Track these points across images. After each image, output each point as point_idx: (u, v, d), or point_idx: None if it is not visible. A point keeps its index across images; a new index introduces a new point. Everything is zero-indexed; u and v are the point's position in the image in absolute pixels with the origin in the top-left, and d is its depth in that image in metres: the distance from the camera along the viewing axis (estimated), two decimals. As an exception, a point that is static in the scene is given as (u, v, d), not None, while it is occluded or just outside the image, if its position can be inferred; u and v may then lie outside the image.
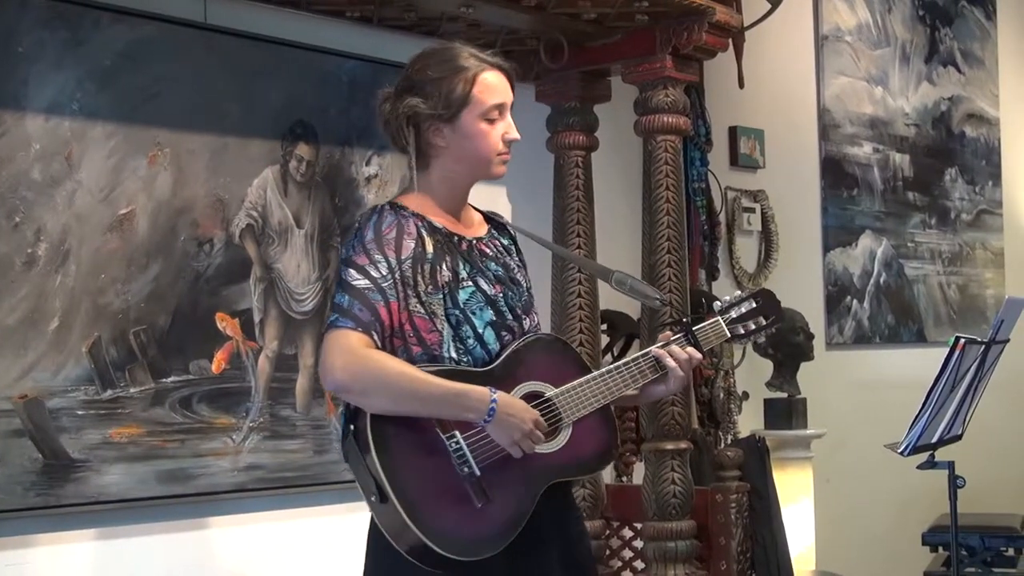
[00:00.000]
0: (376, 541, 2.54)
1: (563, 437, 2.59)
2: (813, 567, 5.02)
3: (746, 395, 5.05)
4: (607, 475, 4.47)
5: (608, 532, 4.41)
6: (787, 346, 5.12)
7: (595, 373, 2.65)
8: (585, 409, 2.61)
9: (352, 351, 2.44)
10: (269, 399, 3.72)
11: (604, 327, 4.48)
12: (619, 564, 4.47)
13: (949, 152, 7.02)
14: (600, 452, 2.67)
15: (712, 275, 5.28)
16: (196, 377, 3.55)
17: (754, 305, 2.82)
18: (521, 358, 2.60)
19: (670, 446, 4.13)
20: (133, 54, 3.45)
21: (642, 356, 2.71)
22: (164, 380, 3.49)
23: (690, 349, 2.72)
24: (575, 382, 2.61)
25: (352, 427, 2.48)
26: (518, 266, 2.74)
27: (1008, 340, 3.63)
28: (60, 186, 3.30)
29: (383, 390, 2.45)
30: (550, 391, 2.60)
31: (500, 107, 2.61)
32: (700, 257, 5.16)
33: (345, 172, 3.93)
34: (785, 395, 5.14)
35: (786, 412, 5.11)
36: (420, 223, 2.58)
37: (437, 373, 2.49)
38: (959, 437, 3.71)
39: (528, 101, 4.42)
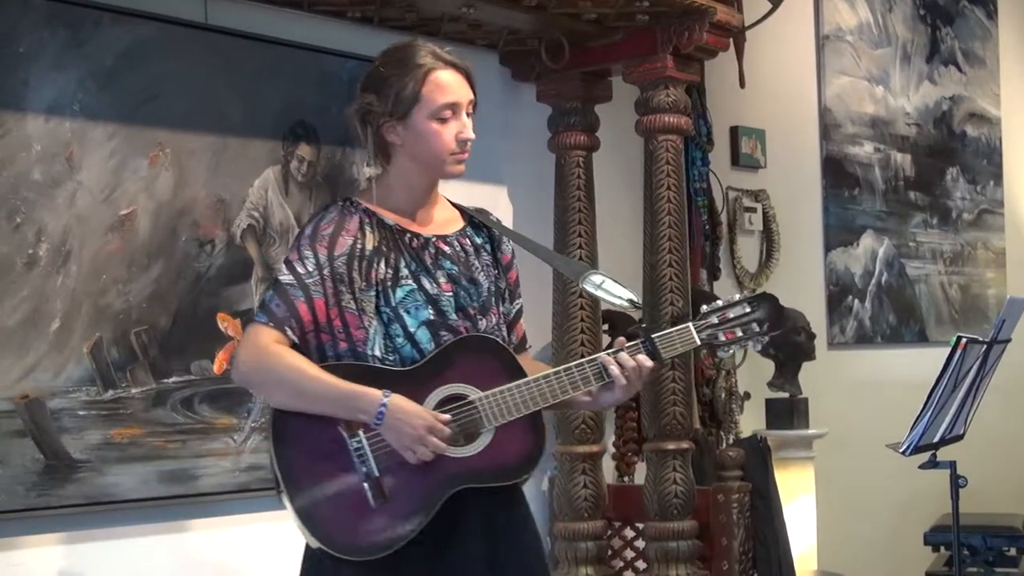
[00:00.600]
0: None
1: (482, 441, 2.53)
2: (815, 567, 5.02)
3: (748, 395, 5.05)
4: (609, 475, 4.47)
5: (610, 532, 4.41)
6: (789, 346, 5.12)
7: (528, 378, 2.56)
8: (511, 415, 2.54)
9: (258, 346, 2.49)
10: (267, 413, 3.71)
11: (606, 327, 4.47)
12: (621, 564, 4.47)
13: (950, 152, 7.02)
14: (521, 460, 2.57)
15: (713, 275, 5.27)
16: (197, 377, 3.55)
17: (748, 310, 2.65)
18: (451, 359, 2.55)
19: (672, 446, 4.13)
20: (134, 55, 3.45)
21: (588, 362, 2.60)
22: (165, 380, 3.49)
23: (640, 357, 2.58)
24: (504, 386, 2.54)
25: (270, 420, 2.53)
26: (487, 265, 2.70)
27: (1010, 340, 3.63)
28: (61, 187, 3.30)
29: (280, 386, 2.49)
30: (475, 394, 2.54)
31: (452, 106, 2.59)
32: (701, 257, 5.16)
33: (346, 172, 3.93)
34: (787, 395, 5.14)
35: (788, 412, 5.11)
36: (368, 219, 2.59)
37: (353, 372, 2.50)
38: (961, 437, 3.71)
39: (529, 101, 4.43)
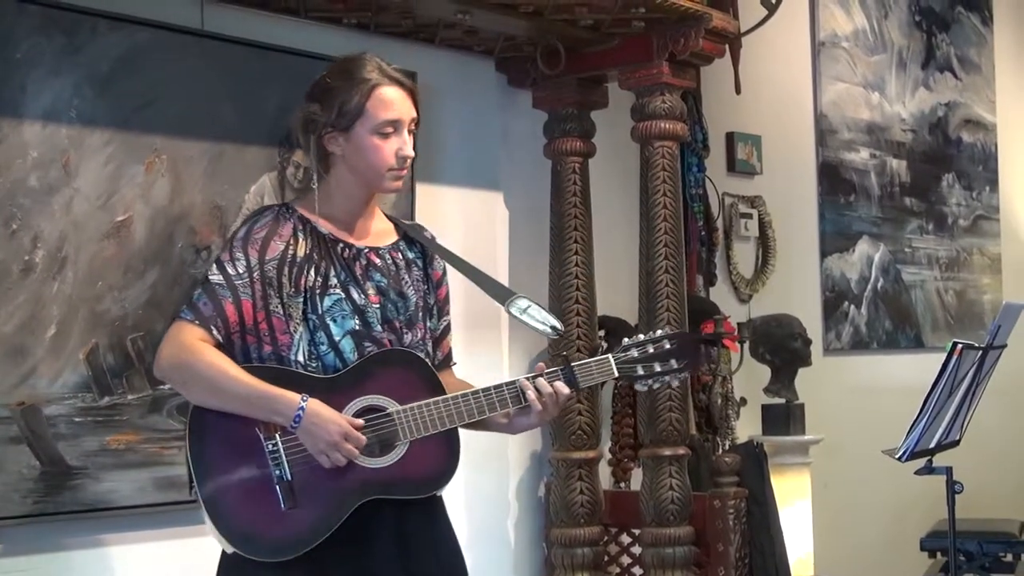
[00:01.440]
0: None
1: (396, 454, 2.56)
2: (811, 573, 5.02)
3: (744, 401, 5.05)
4: (605, 481, 4.47)
5: (606, 538, 4.41)
6: (785, 352, 5.13)
7: (448, 395, 2.60)
8: (427, 430, 2.57)
9: (180, 343, 2.53)
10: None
11: (602, 333, 4.48)
12: (617, 570, 4.47)
13: (946, 158, 7.03)
14: (433, 475, 2.61)
15: (710, 281, 5.28)
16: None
17: (667, 347, 2.70)
18: (371, 371, 2.59)
19: (668, 452, 4.13)
20: (130, 61, 3.45)
21: (507, 384, 2.63)
22: (162, 387, 3.47)
23: (558, 384, 2.62)
24: (422, 402, 2.57)
25: (187, 417, 2.56)
26: (417, 280, 2.73)
27: (1005, 345, 3.63)
28: (57, 193, 3.30)
29: (197, 383, 2.53)
30: (393, 407, 2.57)
31: (394, 123, 2.62)
32: (698, 263, 5.17)
33: (342, 178, 3.93)
34: (783, 401, 5.14)
35: (784, 418, 5.11)
36: (302, 226, 2.63)
37: (275, 375, 2.53)
38: (957, 442, 3.71)
39: (525, 107, 4.43)
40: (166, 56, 3.52)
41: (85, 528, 3.35)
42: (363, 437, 2.52)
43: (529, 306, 2.68)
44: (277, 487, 2.50)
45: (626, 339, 2.72)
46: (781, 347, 5.11)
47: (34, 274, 3.24)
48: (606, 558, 4.42)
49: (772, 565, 4.40)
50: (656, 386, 2.76)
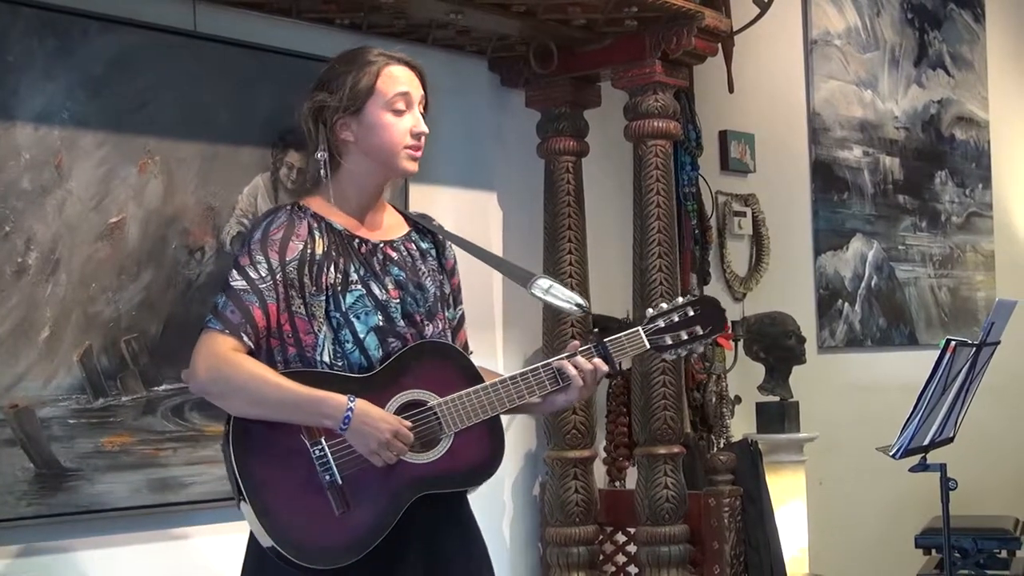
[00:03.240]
0: (250, 547, 2.57)
1: (442, 448, 2.54)
2: (806, 570, 5.02)
3: (738, 399, 5.05)
4: (600, 479, 4.47)
5: (601, 537, 4.41)
6: (779, 350, 5.13)
7: (486, 383, 2.58)
8: (471, 420, 2.55)
9: (215, 354, 2.46)
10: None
11: (596, 331, 4.47)
12: (612, 569, 4.48)
13: (939, 155, 7.03)
14: (481, 465, 2.58)
15: (703, 279, 5.28)
16: (188, 385, 3.54)
17: (691, 313, 2.69)
18: (407, 365, 2.56)
19: (663, 450, 4.13)
20: (123, 62, 3.44)
21: (543, 367, 2.63)
22: (156, 388, 3.48)
23: (596, 361, 2.62)
24: (462, 392, 2.55)
25: (227, 427, 2.50)
26: (433, 271, 2.70)
27: (999, 342, 3.64)
28: (50, 195, 3.29)
29: (240, 394, 2.46)
30: (434, 400, 2.55)
31: (405, 97, 2.60)
32: (691, 262, 5.16)
33: (336, 179, 3.93)
34: (777, 398, 5.15)
35: (778, 415, 5.12)
36: (317, 224, 2.58)
37: (313, 378, 2.48)
38: (951, 439, 3.72)
39: (518, 107, 4.43)
40: (159, 57, 3.52)
41: (80, 530, 3.35)
42: (411, 433, 2.48)
43: (551, 285, 2.68)
44: (328, 493, 2.45)
45: (650, 310, 2.71)
46: (775, 345, 5.11)
47: (27, 276, 3.24)
48: (601, 557, 4.42)
49: (767, 563, 4.40)
50: (683, 354, 2.75)
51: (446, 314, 2.71)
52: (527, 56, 4.25)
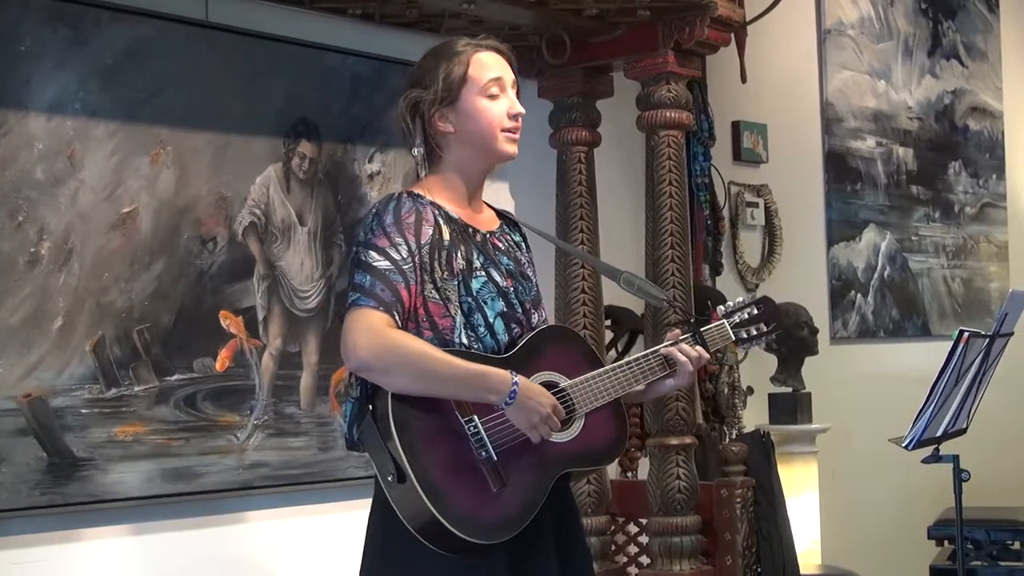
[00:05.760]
0: (383, 529, 2.53)
1: (576, 427, 2.61)
2: (818, 561, 5.02)
3: (751, 390, 5.04)
4: (612, 471, 4.47)
5: (613, 528, 4.42)
6: (791, 340, 5.12)
7: (608, 367, 2.69)
8: (598, 401, 2.64)
9: (375, 330, 2.44)
10: (273, 397, 3.72)
11: (608, 323, 4.48)
12: (624, 559, 4.47)
13: (952, 145, 7.01)
14: (611, 444, 2.68)
15: (716, 270, 5.27)
16: (200, 375, 3.56)
17: (755, 311, 2.90)
18: (537, 347, 2.62)
19: (675, 441, 4.13)
20: (135, 52, 3.45)
21: (651, 353, 2.75)
22: (168, 378, 3.49)
23: (699, 348, 2.77)
24: (590, 374, 2.64)
25: (372, 408, 2.47)
26: (528, 262, 2.76)
27: (1012, 333, 3.62)
28: (63, 185, 3.30)
29: (406, 369, 2.44)
30: (564, 382, 2.62)
31: (498, 81, 2.62)
32: (704, 252, 5.16)
33: (348, 169, 3.93)
34: (790, 390, 5.14)
35: (791, 407, 5.11)
36: (437, 211, 2.59)
37: (458, 356, 2.49)
38: (964, 431, 3.71)
39: (530, 97, 4.42)
40: (171, 48, 3.52)
41: (92, 519, 3.36)
42: (563, 411, 2.56)
43: (637, 280, 2.87)
44: (484, 469, 2.46)
45: (721, 307, 2.90)
46: (788, 336, 5.10)
47: (40, 266, 3.25)
48: (613, 547, 4.42)
49: (779, 554, 4.40)
50: (753, 347, 3.00)
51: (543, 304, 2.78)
52: (539, 46, 4.25)
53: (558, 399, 2.57)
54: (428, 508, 2.39)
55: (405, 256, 2.51)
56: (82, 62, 3.35)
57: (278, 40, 3.77)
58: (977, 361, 3.51)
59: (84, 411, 3.32)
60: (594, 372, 2.65)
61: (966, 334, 3.40)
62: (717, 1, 4.06)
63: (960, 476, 3.59)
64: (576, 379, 2.63)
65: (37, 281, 3.24)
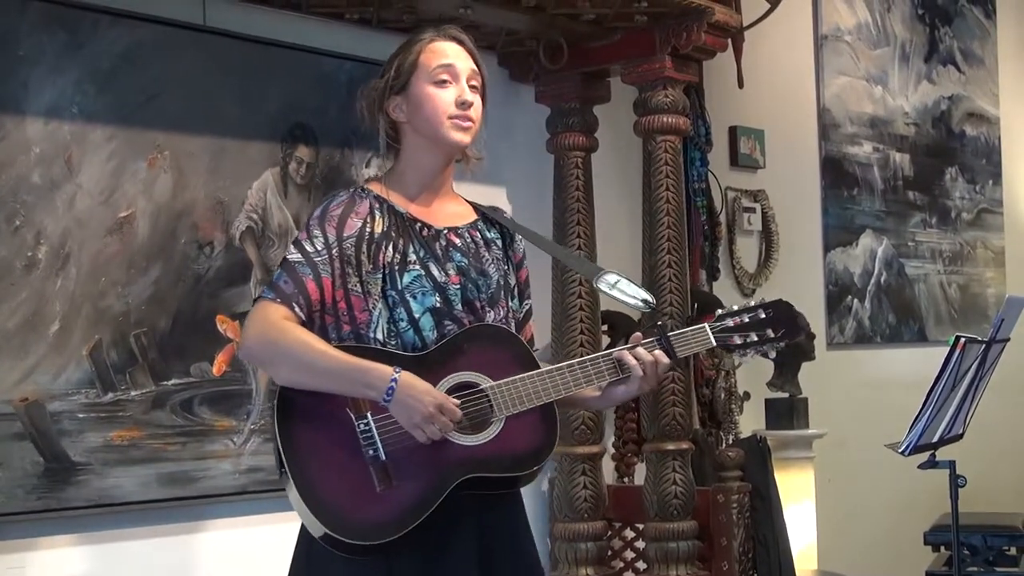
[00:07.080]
0: (304, 527, 2.53)
1: (492, 431, 2.48)
2: (815, 567, 5.02)
3: (747, 395, 5.04)
4: (608, 476, 4.47)
5: (610, 533, 4.41)
6: (788, 346, 5.11)
7: (544, 369, 2.53)
8: (523, 405, 2.49)
9: (265, 321, 2.46)
10: (270, 401, 3.70)
11: (605, 328, 4.48)
12: (621, 565, 4.48)
13: (949, 151, 7.02)
14: (532, 451, 2.51)
15: (713, 275, 5.27)
16: (197, 379, 3.55)
17: (763, 316, 2.66)
18: (461, 347, 2.52)
19: (671, 446, 4.13)
20: (132, 57, 3.45)
21: (602, 356, 2.57)
22: (165, 383, 3.49)
23: (658, 353, 2.56)
24: (516, 376, 2.50)
25: (275, 399, 2.48)
26: (497, 259, 2.67)
27: (1008, 339, 3.63)
28: (60, 189, 3.30)
29: (286, 359, 2.44)
30: (486, 383, 2.50)
31: (448, 68, 2.59)
32: (700, 257, 5.16)
33: (345, 174, 3.93)
34: (786, 395, 5.14)
35: (787, 412, 5.11)
36: (378, 205, 2.57)
37: (364, 355, 2.45)
38: (960, 436, 3.71)
39: (528, 102, 4.43)
40: (168, 52, 3.52)
41: (89, 524, 3.36)
42: (458, 410, 2.44)
43: (618, 280, 2.65)
44: (371, 469, 2.42)
45: (719, 310, 2.66)
46: (784, 341, 5.09)
47: (37, 270, 3.25)
48: (609, 553, 4.42)
49: (775, 559, 4.40)
50: (753, 356, 2.73)
51: (510, 304, 2.68)
52: (536, 51, 4.25)
53: (474, 400, 2.48)
54: (301, 503, 2.41)
55: (319, 248, 2.50)
56: (79, 66, 3.35)
57: (275, 45, 3.77)
58: (973, 367, 3.52)
59: (81, 415, 3.31)
60: (524, 375, 2.51)
61: (962, 340, 3.40)
62: (714, 7, 4.07)
63: (956, 482, 3.60)
64: (500, 381, 2.49)
65: (34, 285, 3.24)
